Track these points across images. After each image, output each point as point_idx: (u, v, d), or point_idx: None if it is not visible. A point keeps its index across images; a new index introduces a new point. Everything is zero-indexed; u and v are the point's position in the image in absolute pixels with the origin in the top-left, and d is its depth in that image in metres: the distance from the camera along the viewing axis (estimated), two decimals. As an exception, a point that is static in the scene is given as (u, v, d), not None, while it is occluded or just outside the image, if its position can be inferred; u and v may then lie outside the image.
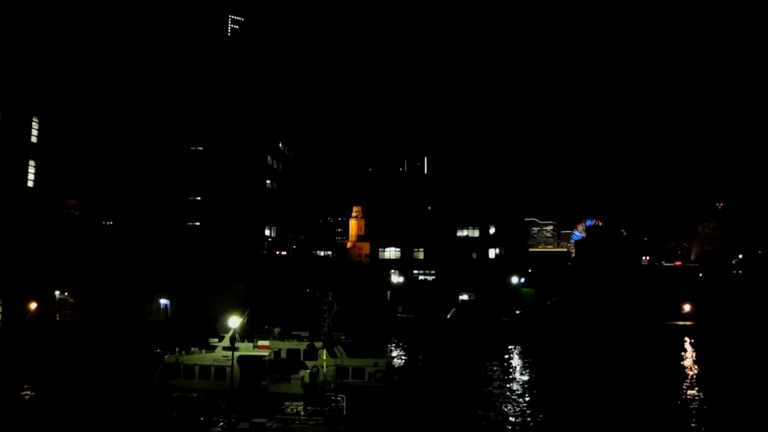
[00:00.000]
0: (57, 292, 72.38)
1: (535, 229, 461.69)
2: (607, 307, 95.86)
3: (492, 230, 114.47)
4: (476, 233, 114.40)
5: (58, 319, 66.69)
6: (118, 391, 40.49)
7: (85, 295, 73.88)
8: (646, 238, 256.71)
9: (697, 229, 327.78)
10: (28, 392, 40.65)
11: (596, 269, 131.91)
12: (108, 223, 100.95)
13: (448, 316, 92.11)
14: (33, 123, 65.87)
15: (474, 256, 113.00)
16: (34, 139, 65.74)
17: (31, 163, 65.33)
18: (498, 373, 54.86)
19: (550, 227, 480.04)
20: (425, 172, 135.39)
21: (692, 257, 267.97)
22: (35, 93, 65.57)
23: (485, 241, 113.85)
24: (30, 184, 64.84)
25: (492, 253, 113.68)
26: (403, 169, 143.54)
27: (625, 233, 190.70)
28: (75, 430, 31.80)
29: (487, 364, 58.89)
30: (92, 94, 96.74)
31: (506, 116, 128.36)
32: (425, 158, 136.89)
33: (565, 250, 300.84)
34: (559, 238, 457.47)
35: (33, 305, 62.18)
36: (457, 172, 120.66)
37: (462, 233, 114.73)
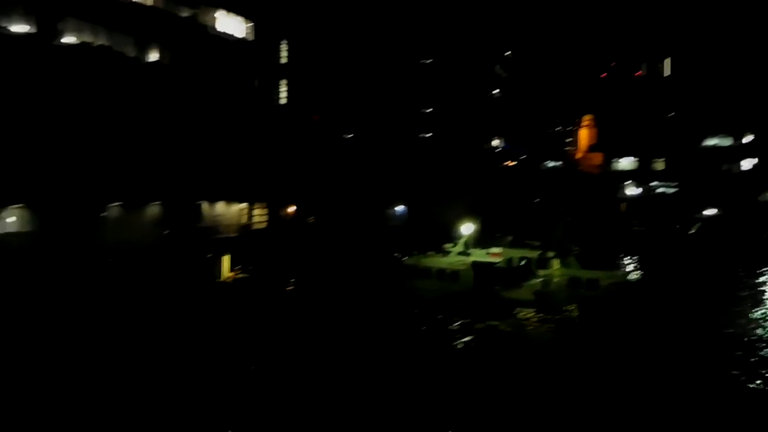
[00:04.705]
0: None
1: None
2: None
3: (747, 139, 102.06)
4: (727, 142, 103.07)
5: (311, 221, 74.98)
6: (365, 288, 44.84)
7: (330, 201, 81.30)
8: None
9: None
10: (291, 285, 46.78)
11: None
12: (348, 136, 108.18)
13: (691, 232, 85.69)
14: (282, 46, 72.40)
15: (723, 167, 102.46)
16: (283, 61, 72.41)
17: (283, 82, 72.35)
18: (749, 292, 50.28)
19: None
20: (665, 75, 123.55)
21: None
22: (282, 18, 71.58)
23: (738, 151, 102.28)
24: (282, 101, 72.09)
25: (746, 164, 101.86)
26: (641, 72, 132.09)
27: None
28: (329, 317, 36.07)
29: (739, 282, 54.18)
30: (331, 16, 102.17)
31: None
32: (667, 60, 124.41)
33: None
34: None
35: (291, 209, 70.66)
36: (704, 74, 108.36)
37: (709, 143, 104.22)
